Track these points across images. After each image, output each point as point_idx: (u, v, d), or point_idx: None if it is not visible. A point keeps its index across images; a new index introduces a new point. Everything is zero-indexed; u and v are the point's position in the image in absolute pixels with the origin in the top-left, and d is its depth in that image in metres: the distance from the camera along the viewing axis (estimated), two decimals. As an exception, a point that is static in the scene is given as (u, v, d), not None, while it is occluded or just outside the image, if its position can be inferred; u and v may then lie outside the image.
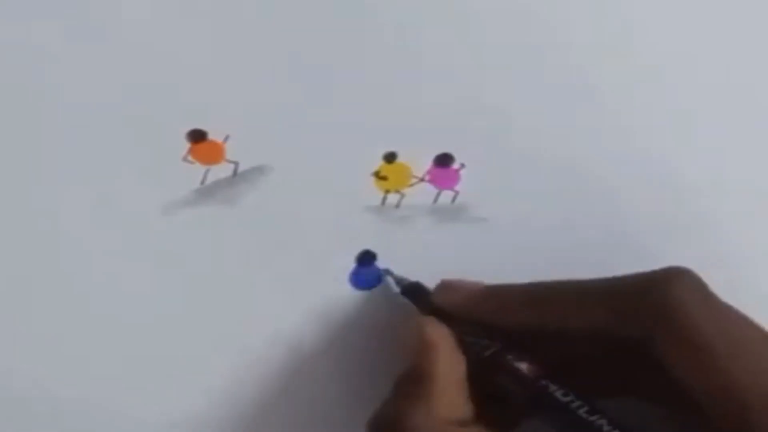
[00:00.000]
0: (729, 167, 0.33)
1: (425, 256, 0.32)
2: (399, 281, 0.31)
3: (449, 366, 0.27)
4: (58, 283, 0.30)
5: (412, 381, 0.27)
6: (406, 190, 0.32)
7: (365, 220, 0.32)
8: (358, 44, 0.31)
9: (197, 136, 0.30)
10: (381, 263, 0.32)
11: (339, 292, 0.32)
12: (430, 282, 0.30)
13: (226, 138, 0.31)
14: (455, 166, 0.32)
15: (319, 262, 0.31)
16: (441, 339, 0.27)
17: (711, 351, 0.24)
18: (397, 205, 0.32)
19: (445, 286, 0.30)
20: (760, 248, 0.33)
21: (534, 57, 0.32)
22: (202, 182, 0.31)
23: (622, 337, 0.26)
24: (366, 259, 0.32)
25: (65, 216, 0.30)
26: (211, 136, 0.30)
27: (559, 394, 0.26)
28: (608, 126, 0.32)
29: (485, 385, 0.27)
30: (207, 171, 0.31)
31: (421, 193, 0.32)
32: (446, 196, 0.32)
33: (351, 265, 0.32)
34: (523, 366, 0.27)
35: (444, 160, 0.32)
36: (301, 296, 0.31)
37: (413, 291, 0.31)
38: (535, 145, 0.32)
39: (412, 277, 0.31)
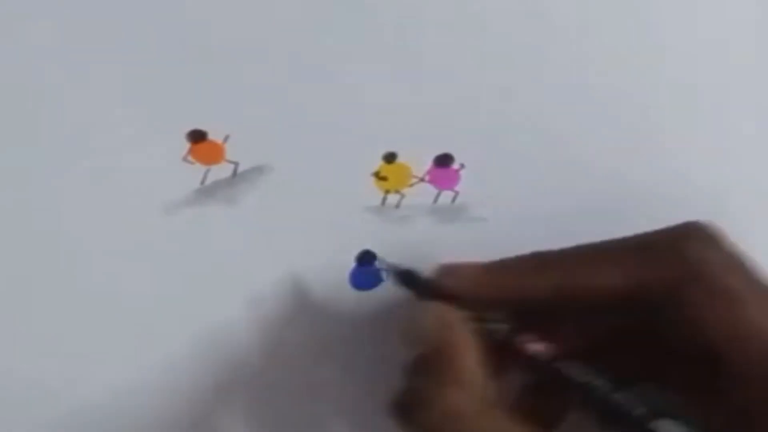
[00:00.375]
0: (732, 167, 0.33)
1: (425, 257, 0.32)
2: (391, 268, 0.30)
3: (469, 348, 0.26)
4: (58, 283, 0.30)
5: (435, 364, 0.26)
6: (406, 190, 0.32)
7: (365, 220, 0.32)
8: (358, 44, 0.31)
9: (197, 136, 0.30)
10: (381, 263, 0.32)
11: (339, 292, 0.32)
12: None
13: (226, 138, 0.30)
14: (455, 166, 0.32)
15: (319, 262, 0.31)
16: (456, 321, 0.26)
17: (740, 302, 0.25)
18: (397, 205, 0.32)
19: (447, 269, 0.28)
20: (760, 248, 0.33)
21: (534, 57, 0.32)
22: (202, 182, 0.31)
23: (648, 297, 0.25)
24: (366, 259, 0.32)
25: (65, 216, 0.30)
26: (211, 136, 0.30)
27: (578, 372, 0.25)
28: (609, 126, 0.32)
29: (500, 369, 0.27)
30: (207, 171, 0.31)
31: (421, 193, 0.32)
32: (446, 196, 0.32)
33: (351, 265, 0.32)
34: (536, 347, 0.26)
35: (444, 160, 0.32)
36: (301, 296, 0.31)
37: (408, 278, 0.29)
38: (535, 145, 0.32)
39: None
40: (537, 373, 0.27)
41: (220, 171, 0.31)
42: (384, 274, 0.32)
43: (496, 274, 0.27)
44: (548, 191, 0.32)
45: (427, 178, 0.32)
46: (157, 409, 0.32)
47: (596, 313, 0.27)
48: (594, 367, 0.26)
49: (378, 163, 0.31)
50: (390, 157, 0.31)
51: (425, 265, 0.32)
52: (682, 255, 0.25)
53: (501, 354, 0.27)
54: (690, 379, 0.26)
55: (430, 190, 0.32)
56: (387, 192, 0.32)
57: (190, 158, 0.30)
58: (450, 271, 0.28)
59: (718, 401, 0.25)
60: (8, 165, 0.30)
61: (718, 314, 0.25)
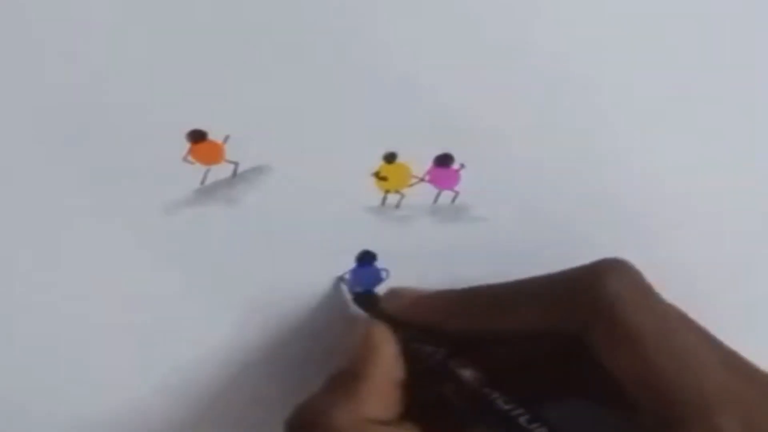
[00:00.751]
0: (735, 167, 0.33)
1: (425, 256, 0.32)
2: (351, 289, 0.31)
3: (385, 368, 0.27)
4: (58, 283, 0.30)
5: (342, 378, 0.27)
6: (406, 190, 0.32)
7: (365, 220, 0.32)
8: (358, 44, 0.31)
9: (197, 136, 0.30)
10: (381, 263, 0.32)
11: (339, 292, 0.32)
12: (430, 283, 0.30)
13: (226, 138, 0.30)
14: (455, 166, 0.32)
15: (319, 262, 0.31)
16: (382, 342, 0.28)
17: (645, 345, 0.25)
18: (397, 205, 0.32)
19: (392, 292, 0.30)
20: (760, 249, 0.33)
21: (534, 56, 0.32)
22: (202, 182, 0.31)
23: (562, 335, 0.26)
24: (366, 259, 0.32)
25: (65, 216, 0.30)
26: (211, 136, 0.30)
27: (500, 401, 0.26)
28: (609, 125, 0.32)
29: (430, 391, 0.28)
30: (207, 171, 0.31)
31: (421, 193, 0.32)
32: (446, 196, 0.32)
33: (351, 265, 0.32)
34: (467, 373, 0.27)
35: (444, 160, 0.32)
36: (301, 296, 0.32)
37: (364, 299, 0.31)
38: (535, 145, 0.32)
39: (412, 277, 0.31)
40: (465, 398, 0.27)
41: (220, 171, 0.31)
42: (383, 274, 0.32)
43: (428, 304, 0.29)
44: (548, 191, 0.32)
45: (427, 178, 0.32)
46: (155, 409, 0.32)
47: (519, 344, 0.28)
48: (523, 385, 0.27)
49: (378, 163, 0.31)
50: (390, 157, 0.31)
51: (424, 266, 0.32)
52: (593, 295, 0.26)
53: (434, 377, 0.28)
54: (612, 396, 0.26)
55: (430, 190, 0.32)
56: (387, 192, 0.32)
57: (190, 158, 0.30)
58: (393, 295, 0.30)
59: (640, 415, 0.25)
60: (9, 164, 0.30)
61: (624, 359, 0.25)
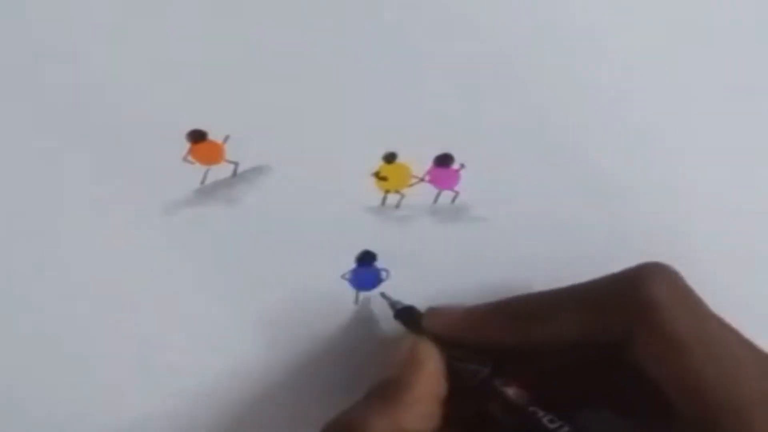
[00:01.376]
0: (734, 165, 0.33)
1: (425, 256, 0.32)
2: (393, 305, 0.31)
3: (428, 383, 0.27)
4: (58, 283, 0.30)
5: (383, 389, 0.27)
6: (406, 190, 0.32)
7: (365, 220, 0.32)
8: (358, 44, 0.31)
9: (197, 136, 0.30)
10: (381, 263, 0.32)
11: (339, 292, 0.32)
12: (430, 283, 0.30)
13: (226, 138, 0.30)
14: (455, 166, 0.32)
15: (319, 262, 0.31)
16: (427, 357, 0.28)
17: (686, 350, 0.25)
18: (397, 205, 0.32)
19: (432, 311, 0.30)
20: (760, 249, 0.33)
21: (534, 56, 0.32)
22: (202, 182, 0.31)
23: (602, 342, 0.26)
24: (366, 259, 0.32)
25: (65, 216, 0.30)
26: (211, 136, 0.30)
27: (546, 420, 0.26)
28: (609, 125, 0.32)
29: (472, 408, 0.28)
30: (207, 171, 0.31)
31: (421, 193, 0.32)
32: (446, 196, 0.32)
33: (351, 265, 0.32)
34: (511, 391, 0.27)
35: (444, 160, 0.32)
36: (300, 296, 0.31)
37: (407, 315, 0.30)
38: (535, 145, 0.32)
39: (412, 277, 0.31)
40: (511, 416, 0.27)
41: (220, 171, 0.31)
42: (383, 274, 0.32)
43: (468, 320, 0.29)
44: (548, 191, 0.32)
45: (427, 178, 0.32)
46: (155, 410, 0.32)
47: (560, 353, 0.28)
48: (565, 394, 0.27)
49: (378, 163, 0.31)
50: (390, 157, 0.31)
51: (424, 266, 0.32)
52: (633, 301, 0.25)
53: (479, 394, 0.28)
54: (644, 408, 0.26)
55: (430, 190, 0.32)
56: (387, 192, 0.32)
57: (190, 158, 0.30)
58: (433, 313, 0.30)
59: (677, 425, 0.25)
60: (9, 164, 0.30)
61: (666, 364, 0.25)
